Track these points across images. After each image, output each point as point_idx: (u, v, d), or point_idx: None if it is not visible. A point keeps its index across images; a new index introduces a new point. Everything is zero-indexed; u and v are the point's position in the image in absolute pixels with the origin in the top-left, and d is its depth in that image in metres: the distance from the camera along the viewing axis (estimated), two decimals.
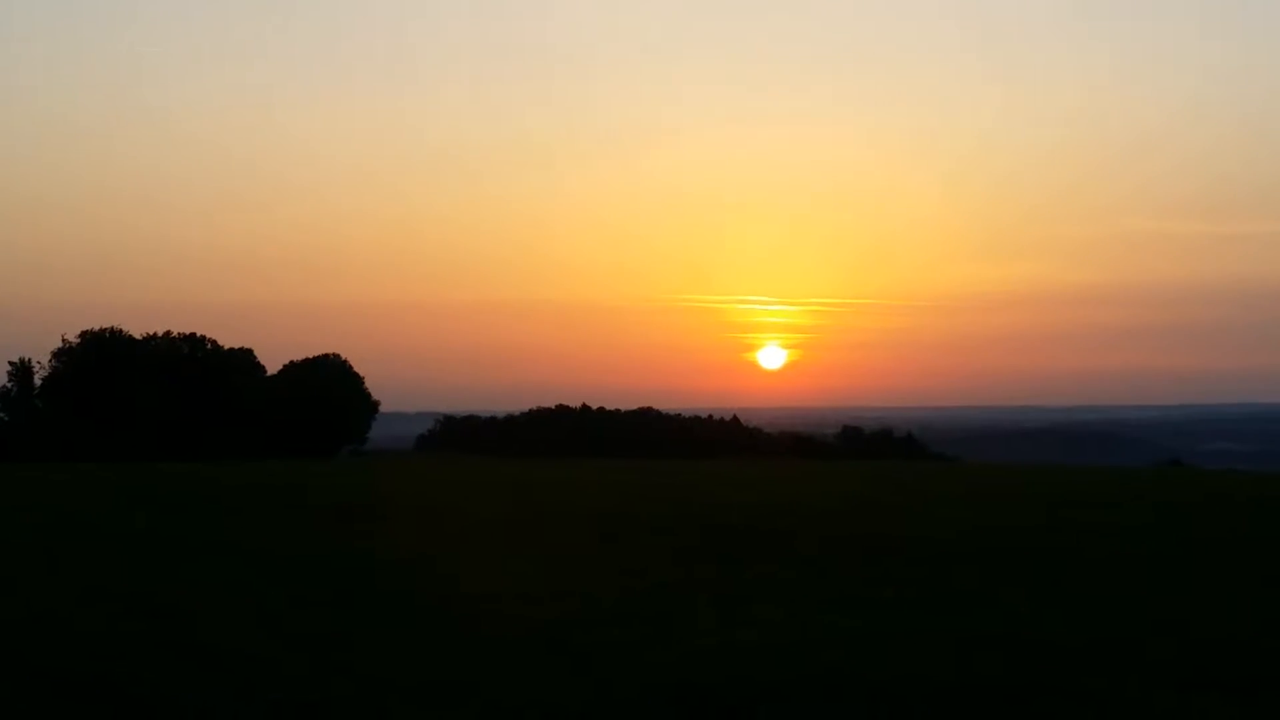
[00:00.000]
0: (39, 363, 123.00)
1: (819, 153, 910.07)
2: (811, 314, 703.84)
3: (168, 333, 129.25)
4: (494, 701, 14.41)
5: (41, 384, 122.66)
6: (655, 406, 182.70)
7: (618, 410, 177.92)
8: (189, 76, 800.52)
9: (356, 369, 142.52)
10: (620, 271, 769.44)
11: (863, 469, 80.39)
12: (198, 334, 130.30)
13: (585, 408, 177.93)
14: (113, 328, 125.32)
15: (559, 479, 60.51)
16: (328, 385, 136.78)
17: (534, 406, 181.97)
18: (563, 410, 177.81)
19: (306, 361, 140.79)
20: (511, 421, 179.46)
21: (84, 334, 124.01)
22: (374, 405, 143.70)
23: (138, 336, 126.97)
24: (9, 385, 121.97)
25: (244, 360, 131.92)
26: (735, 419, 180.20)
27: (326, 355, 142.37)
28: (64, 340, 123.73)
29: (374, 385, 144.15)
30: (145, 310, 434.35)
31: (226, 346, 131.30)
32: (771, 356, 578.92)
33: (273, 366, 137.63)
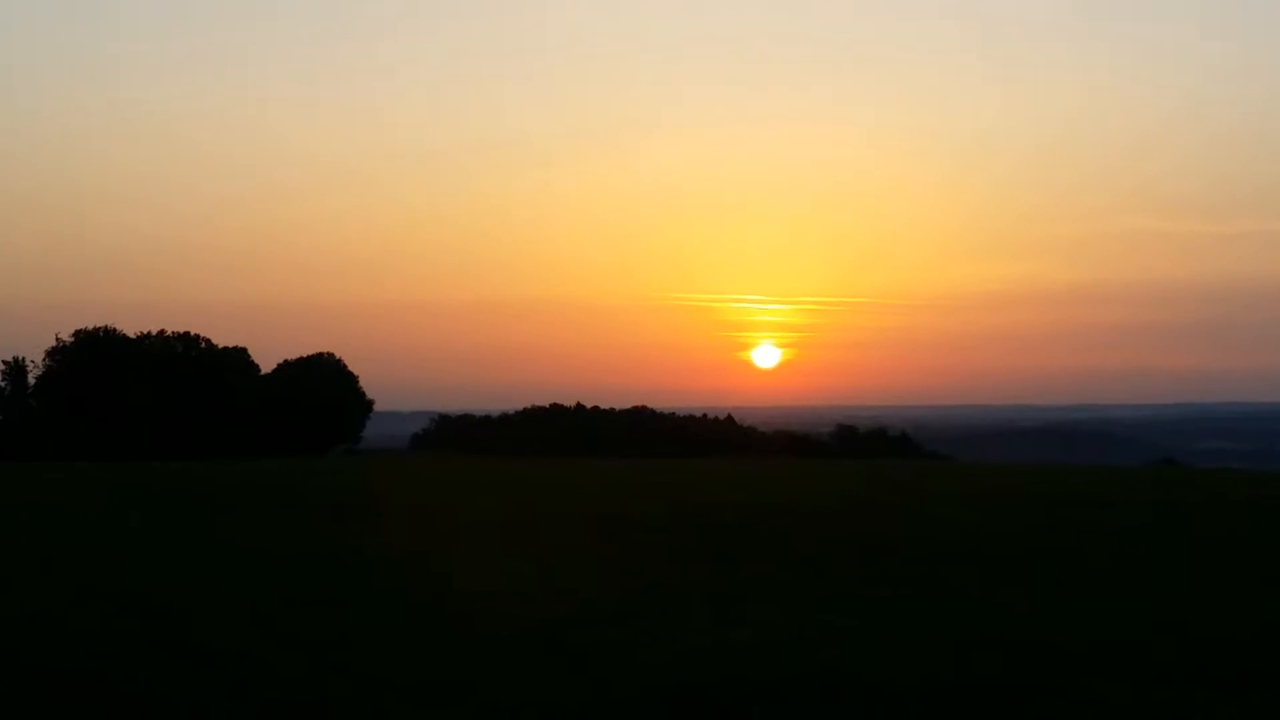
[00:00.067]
0: (33, 361, 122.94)
1: (815, 151, 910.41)
2: (806, 313, 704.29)
3: (161, 331, 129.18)
4: (490, 701, 14.37)
5: (35, 383, 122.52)
6: (650, 405, 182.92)
7: (612, 409, 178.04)
8: (183, 76, 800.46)
9: (351, 368, 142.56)
10: (615, 270, 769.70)
11: (858, 468, 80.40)
12: (192, 333, 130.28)
13: (580, 406, 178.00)
14: (107, 327, 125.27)
15: (554, 478, 60.48)
16: (322, 384, 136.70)
17: (528, 405, 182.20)
18: (557, 409, 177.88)
19: (301, 360, 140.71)
20: (506, 420, 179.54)
21: (78, 333, 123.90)
22: (368, 404, 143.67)
23: (132, 335, 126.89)
24: (3, 384, 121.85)
25: (238, 359, 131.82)
26: (730, 418, 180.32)
27: (321, 354, 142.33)
28: (58, 339, 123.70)
29: (368, 384, 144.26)
30: (139, 309, 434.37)
31: (220, 345, 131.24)
32: (766, 355, 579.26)
33: (267, 365, 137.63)
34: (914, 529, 33.36)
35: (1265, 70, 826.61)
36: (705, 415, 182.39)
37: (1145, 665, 16.13)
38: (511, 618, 19.47)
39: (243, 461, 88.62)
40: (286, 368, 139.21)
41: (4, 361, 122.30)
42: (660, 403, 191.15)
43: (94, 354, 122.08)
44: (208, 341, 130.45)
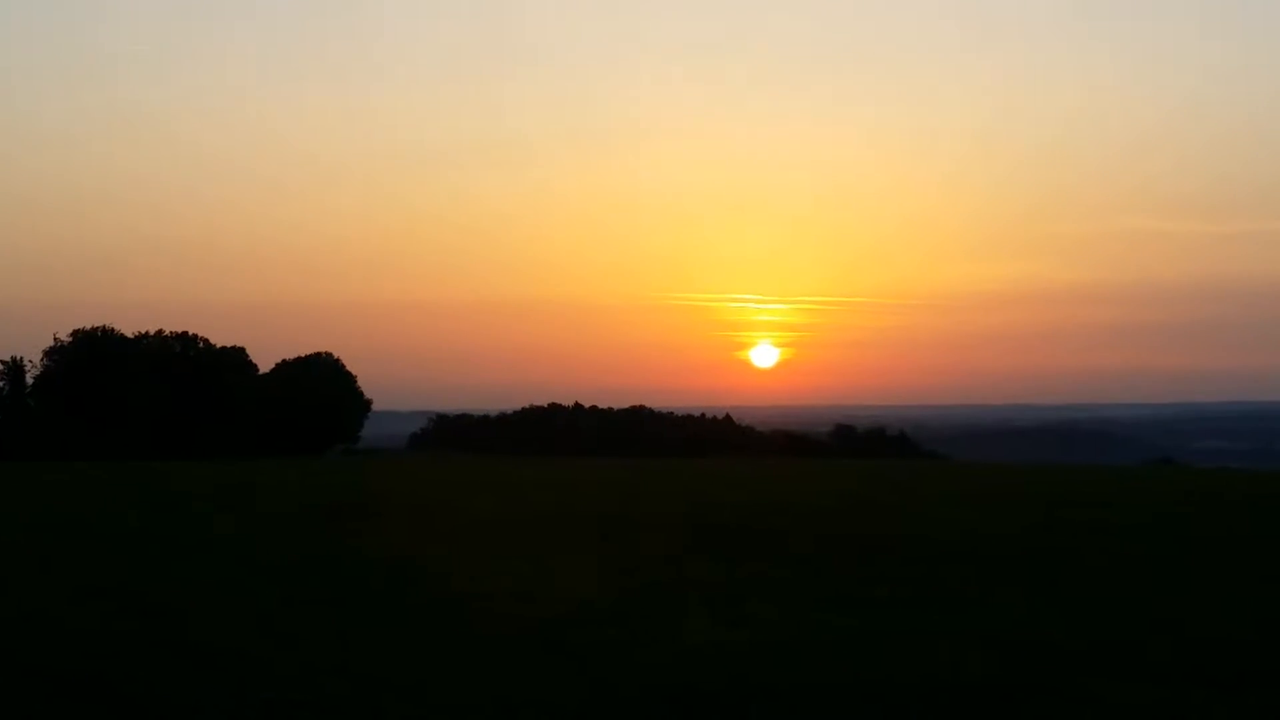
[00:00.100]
0: (31, 361, 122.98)
1: (814, 151, 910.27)
2: (805, 312, 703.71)
3: (159, 331, 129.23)
4: (488, 701, 14.38)
5: (33, 383, 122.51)
6: (648, 405, 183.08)
7: (610, 409, 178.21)
8: (181, 77, 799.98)
9: (349, 367, 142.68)
10: (613, 270, 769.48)
11: (856, 468, 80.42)
12: (190, 333, 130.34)
13: (578, 406, 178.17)
14: (104, 326, 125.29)
15: (552, 478, 60.48)
16: (320, 384, 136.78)
17: (527, 405, 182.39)
18: (555, 409, 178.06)
19: (299, 360, 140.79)
20: (504, 420, 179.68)
21: (76, 333, 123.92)
22: (366, 404, 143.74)
23: (130, 335, 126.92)
24: (1, 385, 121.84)
25: (236, 359, 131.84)
26: (728, 417, 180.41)
27: (319, 354, 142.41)
28: (56, 339, 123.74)
29: (366, 384, 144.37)
30: (137, 309, 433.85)
31: (219, 345, 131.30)
32: (764, 355, 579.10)
33: (265, 365, 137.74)
34: (912, 529, 33.38)
35: (1265, 70, 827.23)
36: (703, 415, 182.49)
37: (1143, 665, 16.15)
38: (510, 618, 19.48)
39: (241, 461, 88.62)
40: (285, 367, 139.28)
41: (2, 361, 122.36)
42: (658, 403, 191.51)
43: (92, 354, 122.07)
44: (206, 341, 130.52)
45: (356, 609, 20.50)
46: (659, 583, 23.26)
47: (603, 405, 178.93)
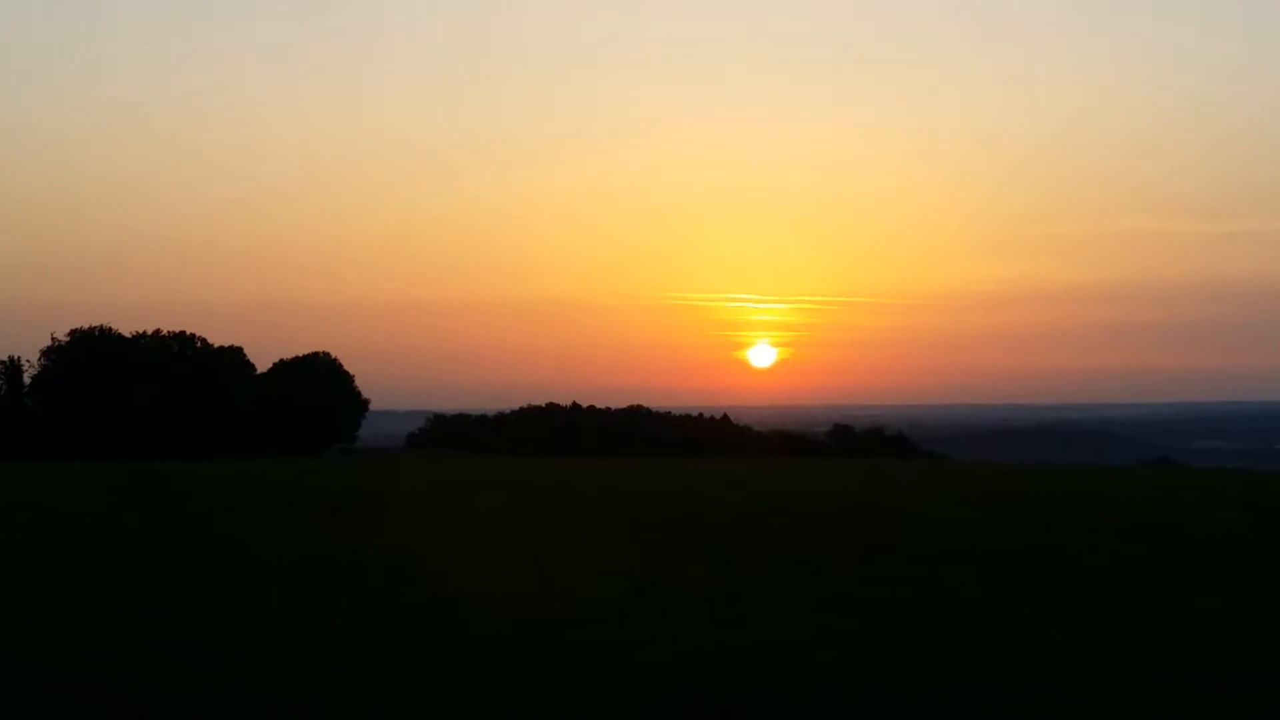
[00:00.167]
0: (28, 361, 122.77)
1: (812, 150, 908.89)
2: (803, 312, 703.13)
3: (157, 331, 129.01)
4: (486, 700, 14.37)
5: (31, 383, 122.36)
6: (645, 405, 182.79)
7: (608, 409, 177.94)
8: (178, 76, 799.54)
9: (346, 367, 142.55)
10: (611, 269, 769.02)
11: (854, 467, 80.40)
12: (187, 332, 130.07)
13: (575, 406, 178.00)
14: (102, 326, 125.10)
15: (550, 478, 60.47)
16: (317, 383, 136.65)
17: (524, 405, 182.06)
18: (553, 408, 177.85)
19: (296, 360, 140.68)
20: (502, 420, 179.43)
21: (73, 332, 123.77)
22: (364, 403, 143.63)
23: (127, 335, 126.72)
24: None
25: (234, 358, 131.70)
26: (725, 417, 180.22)
27: (316, 353, 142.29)
28: (53, 339, 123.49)
29: (364, 383, 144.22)
30: (135, 309, 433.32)
31: (216, 345, 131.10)
32: (762, 355, 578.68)
33: (262, 365, 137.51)
34: (911, 529, 33.37)
35: (1265, 70, 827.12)
36: (701, 415, 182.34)
37: (1142, 664, 16.14)
38: (508, 617, 19.47)
39: (239, 461, 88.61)
40: (282, 367, 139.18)
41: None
42: (656, 402, 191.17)
43: (90, 354, 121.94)
44: (203, 341, 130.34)
45: (354, 609, 20.49)
46: (657, 583, 23.25)
47: (600, 405, 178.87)
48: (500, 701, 14.29)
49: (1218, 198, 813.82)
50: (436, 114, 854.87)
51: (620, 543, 29.92)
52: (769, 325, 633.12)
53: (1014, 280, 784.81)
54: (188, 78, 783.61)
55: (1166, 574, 24.91)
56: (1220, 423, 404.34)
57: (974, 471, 74.08)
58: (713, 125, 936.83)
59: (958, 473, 72.17)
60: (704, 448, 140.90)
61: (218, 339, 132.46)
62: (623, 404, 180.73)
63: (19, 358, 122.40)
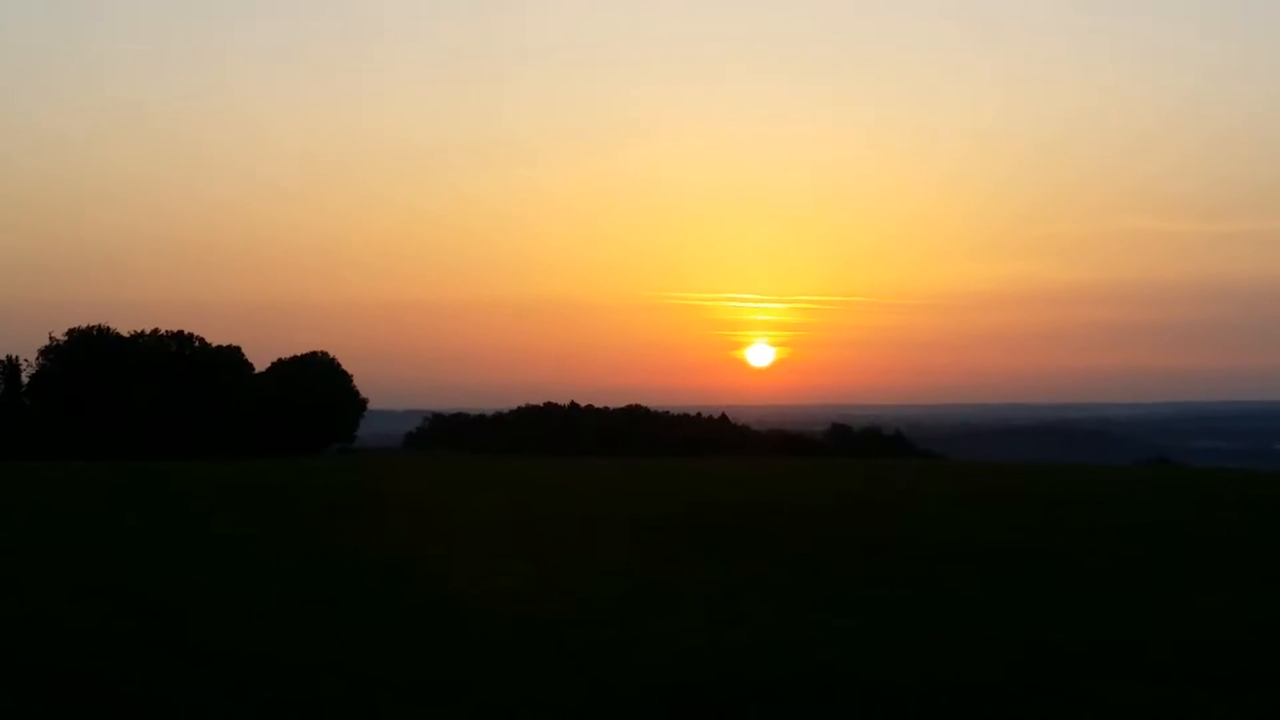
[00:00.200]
0: (27, 360, 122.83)
1: (811, 150, 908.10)
2: (801, 312, 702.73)
3: (155, 330, 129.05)
4: (485, 700, 14.36)
5: (29, 382, 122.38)
6: (644, 404, 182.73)
7: (606, 408, 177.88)
8: (176, 76, 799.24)
9: (345, 367, 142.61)
10: (609, 269, 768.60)
11: (853, 467, 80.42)
12: (186, 332, 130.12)
13: (573, 405, 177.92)
14: (101, 326, 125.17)
15: (548, 477, 60.47)
16: (316, 383, 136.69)
17: (522, 404, 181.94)
18: (551, 408, 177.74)
19: (295, 359, 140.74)
20: (500, 419, 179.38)
21: (72, 332, 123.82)
22: (362, 403, 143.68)
23: (126, 334, 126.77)
24: None
25: (232, 358, 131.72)
26: (724, 417, 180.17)
27: (314, 353, 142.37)
28: (52, 338, 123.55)
29: (362, 383, 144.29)
30: (133, 308, 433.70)
31: (214, 344, 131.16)
32: (760, 354, 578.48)
33: (261, 364, 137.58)
34: (910, 528, 33.37)
35: (1265, 70, 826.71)
36: (699, 414, 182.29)
37: (1142, 664, 16.14)
38: (507, 617, 19.46)
39: (237, 461, 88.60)
40: (280, 367, 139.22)
41: None
42: (654, 402, 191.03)
43: (88, 353, 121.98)
44: (202, 340, 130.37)
45: (353, 609, 20.48)
46: (656, 582, 23.25)
47: (599, 404, 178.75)
48: (499, 701, 14.29)
49: (1218, 198, 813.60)
50: (436, 114, 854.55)
51: (619, 542, 29.92)
52: (767, 325, 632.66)
53: (1013, 280, 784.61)
54: (187, 77, 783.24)
55: (1166, 574, 24.91)
56: (1219, 423, 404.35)
57: (973, 471, 74.08)
58: (712, 125, 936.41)
59: (956, 472, 72.16)
60: (702, 447, 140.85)
61: (216, 339, 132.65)
62: (621, 403, 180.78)
63: (17, 357, 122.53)
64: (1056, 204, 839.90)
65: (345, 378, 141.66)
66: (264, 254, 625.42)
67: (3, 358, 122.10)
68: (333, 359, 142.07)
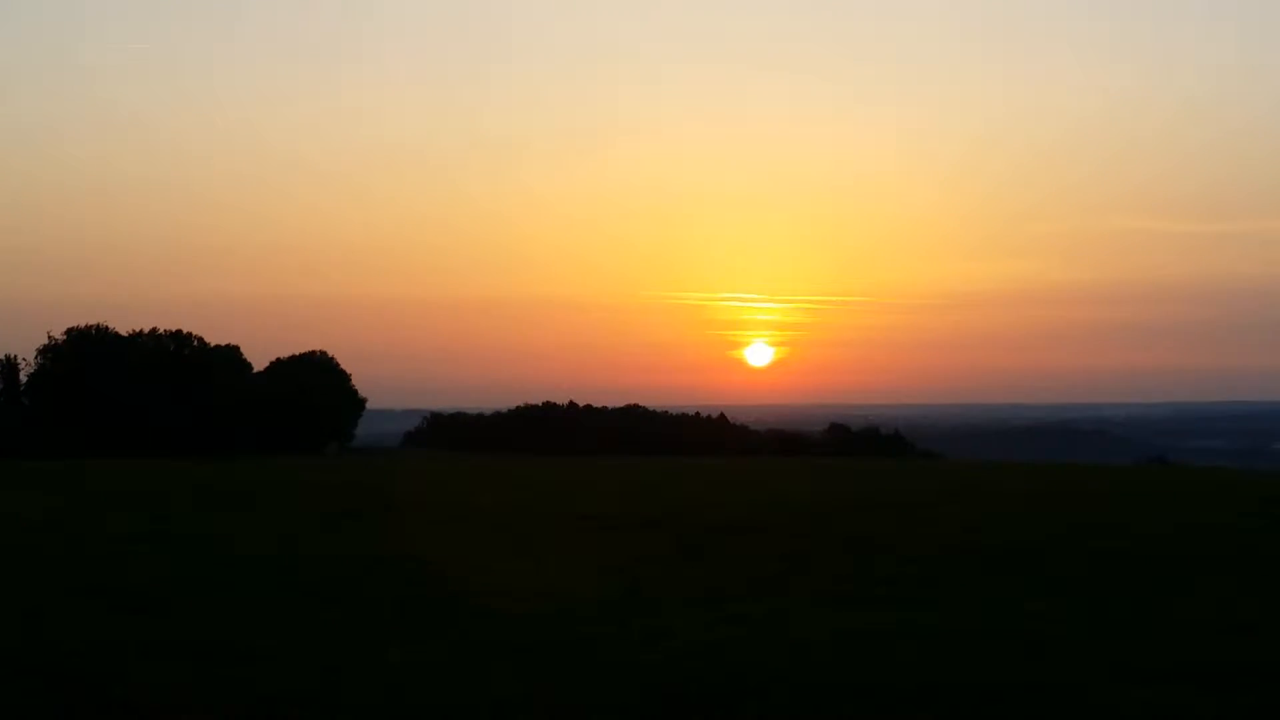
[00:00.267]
0: (25, 360, 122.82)
1: (811, 150, 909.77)
2: (799, 311, 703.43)
3: (154, 330, 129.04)
4: (484, 699, 14.34)
5: (27, 381, 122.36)
6: (642, 404, 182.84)
7: (605, 408, 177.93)
8: (175, 76, 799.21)
9: (343, 366, 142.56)
10: (608, 269, 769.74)
11: (851, 466, 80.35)
12: (184, 331, 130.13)
13: (572, 405, 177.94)
14: (99, 325, 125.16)
15: (546, 477, 60.44)
16: (314, 382, 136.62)
17: (521, 404, 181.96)
18: (550, 408, 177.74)
19: (293, 359, 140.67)
20: (499, 419, 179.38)
21: (70, 331, 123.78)
22: (361, 402, 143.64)
23: (124, 334, 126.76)
24: None
25: (230, 357, 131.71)
26: (722, 416, 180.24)
27: (313, 352, 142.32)
28: (50, 338, 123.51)
29: (361, 382, 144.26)
30: (131, 307, 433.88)
31: (213, 343, 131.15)
32: (758, 354, 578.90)
33: (259, 364, 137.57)
34: (908, 528, 33.34)
35: (1265, 70, 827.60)
36: (698, 414, 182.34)
37: (1142, 664, 16.12)
38: (504, 616, 19.45)
39: (235, 460, 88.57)
40: (279, 366, 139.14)
41: None
42: (653, 401, 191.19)
43: (87, 352, 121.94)
44: (200, 340, 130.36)
45: (353, 607, 20.46)
46: (654, 582, 23.23)
47: (597, 404, 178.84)
48: (496, 699, 14.26)
49: (1217, 198, 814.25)
50: (436, 114, 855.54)
51: (618, 542, 29.90)
52: (766, 324, 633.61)
53: (1013, 280, 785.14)
54: (185, 78, 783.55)
55: (1165, 574, 24.88)
56: (1218, 423, 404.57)
57: (971, 471, 74.05)
58: (712, 125, 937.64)
59: (955, 472, 72.14)
60: (701, 447, 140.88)
61: (215, 338, 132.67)
62: (620, 403, 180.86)
63: (15, 356, 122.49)
64: (1056, 204, 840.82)
65: (344, 377, 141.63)
66: (263, 254, 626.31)
67: (1, 357, 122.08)
68: (331, 358, 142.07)
